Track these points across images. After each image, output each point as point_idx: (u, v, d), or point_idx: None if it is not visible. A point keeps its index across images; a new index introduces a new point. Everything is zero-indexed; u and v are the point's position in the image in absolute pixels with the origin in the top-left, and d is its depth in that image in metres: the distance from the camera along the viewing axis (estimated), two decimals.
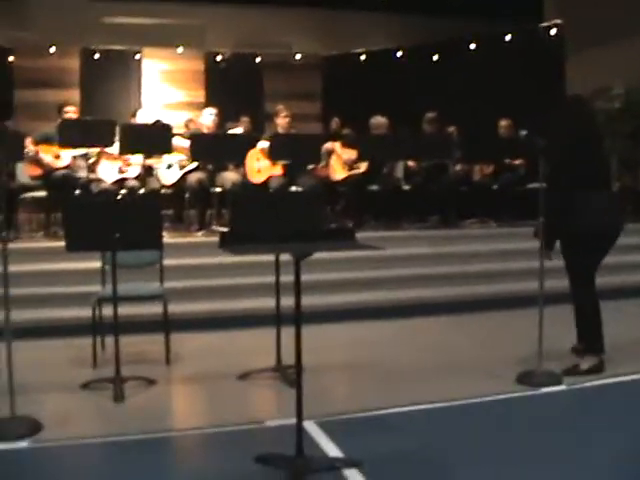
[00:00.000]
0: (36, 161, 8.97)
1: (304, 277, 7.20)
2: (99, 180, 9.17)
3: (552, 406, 5.13)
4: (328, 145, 10.22)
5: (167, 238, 8.37)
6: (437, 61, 13.93)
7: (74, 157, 9.08)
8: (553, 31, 12.55)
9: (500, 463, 4.04)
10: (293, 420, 3.92)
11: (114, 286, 5.41)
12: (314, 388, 5.32)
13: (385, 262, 8.59)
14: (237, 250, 3.76)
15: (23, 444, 4.39)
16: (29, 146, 8.73)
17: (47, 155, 9.01)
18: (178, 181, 9.54)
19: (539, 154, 5.68)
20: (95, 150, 8.92)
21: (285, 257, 3.98)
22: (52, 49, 13.48)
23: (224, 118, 10.54)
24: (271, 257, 5.81)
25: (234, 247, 3.71)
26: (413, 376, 5.82)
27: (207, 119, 9.88)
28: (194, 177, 9.36)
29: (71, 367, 6.08)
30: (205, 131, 9.78)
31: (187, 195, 9.57)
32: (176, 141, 9.34)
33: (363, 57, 14.65)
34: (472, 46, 13.49)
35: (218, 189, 9.38)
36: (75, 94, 13.22)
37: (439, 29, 13.56)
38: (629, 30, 11.75)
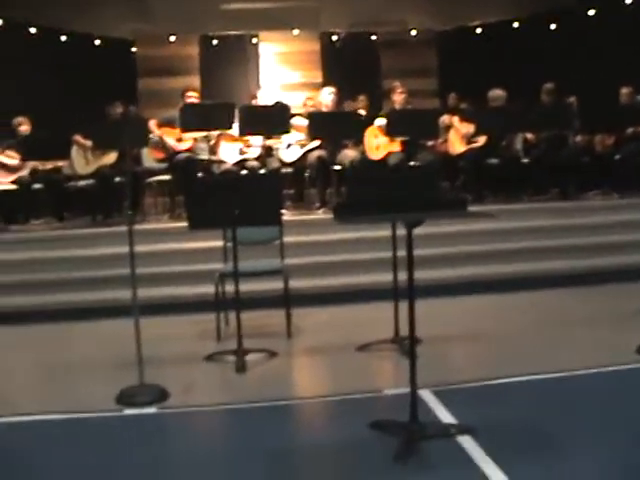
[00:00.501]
0: (160, 145, 9.28)
1: (423, 251, 7.33)
2: (221, 161, 9.41)
3: None
4: (445, 118, 10.17)
5: (288, 216, 8.64)
6: (554, 30, 13.64)
7: (195, 139, 9.34)
8: None
9: (612, 433, 3.99)
10: (409, 389, 3.99)
11: (235, 262, 5.59)
12: (430, 358, 5.40)
13: (505, 235, 8.56)
14: (348, 220, 3.84)
15: (151, 410, 4.64)
16: (153, 129, 9.04)
17: (170, 138, 9.31)
18: (299, 160, 9.69)
19: None
20: (215, 132, 9.12)
21: (403, 232, 4.02)
22: (172, 38, 13.90)
23: (342, 97, 10.62)
24: (388, 232, 5.87)
25: (345, 217, 3.79)
26: (529, 347, 5.80)
27: (326, 98, 9.96)
28: (314, 155, 9.48)
29: (195, 341, 6.33)
30: (324, 110, 9.87)
31: (308, 173, 9.70)
32: (295, 120, 9.52)
33: (478, 30, 14.49)
34: (590, 12, 13.15)
35: (337, 167, 9.46)
36: (195, 80, 13.59)
37: None
38: None
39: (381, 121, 9.54)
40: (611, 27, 12.55)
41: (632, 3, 12.66)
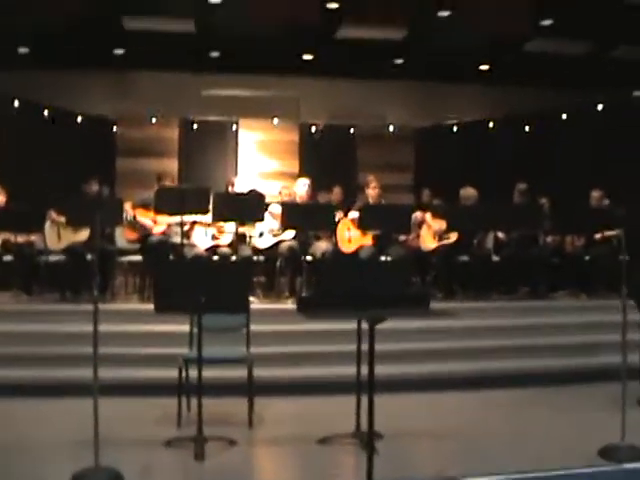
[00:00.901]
0: (134, 225, 9.31)
1: (388, 346, 7.34)
2: (193, 246, 9.44)
3: None
4: (418, 215, 10.30)
5: (257, 304, 8.64)
6: (528, 132, 13.94)
7: (168, 224, 9.37)
8: None
9: None
10: None
11: (199, 349, 5.57)
12: (392, 454, 5.39)
13: (473, 333, 8.59)
14: (310, 314, 3.87)
15: None
16: (128, 210, 9.09)
17: (145, 219, 9.35)
18: (271, 248, 9.73)
19: (620, 224, 5.64)
20: (190, 218, 9.16)
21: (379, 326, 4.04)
22: (153, 119, 14.04)
23: (317, 188, 10.75)
24: (355, 325, 5.87)
25: (309, 312, 3.82)
26: (493, 446, 5.78)
27: (301, 189, 10.08)
28: (286, 245, 9.55)
29: (156, 425, 6.25)
30: (298, 200, 9.98)
31: (279, 262, 9.73)
32: (272, 208, 9.62)
33: (455, 128, 14.78)
34: (564, 116, 13.47)
35: (309, 257, 9.51)
36: (174, 163, 13.76)
37: (531, 100, 13.59)
38: None
39: (354, 214, 9.65)
40: (583, 131, 12.84)
41: (604, 109, 12.98)
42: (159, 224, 9.37)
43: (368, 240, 9.71)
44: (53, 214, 9.30)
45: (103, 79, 13.69)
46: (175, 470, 5.28)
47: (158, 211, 8.95)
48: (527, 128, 13.99)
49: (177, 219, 9.09)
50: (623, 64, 13.12)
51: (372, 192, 10.09)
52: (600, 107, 13.03)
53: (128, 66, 13.55)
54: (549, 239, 10.61)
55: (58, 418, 6.42)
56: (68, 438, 5.70)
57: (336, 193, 11.65)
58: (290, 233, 9.59)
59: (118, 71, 13.69)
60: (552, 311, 9.45)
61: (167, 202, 8.70)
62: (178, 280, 5.44)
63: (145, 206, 9.38)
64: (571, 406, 7.13)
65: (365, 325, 4.73)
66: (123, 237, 9.71)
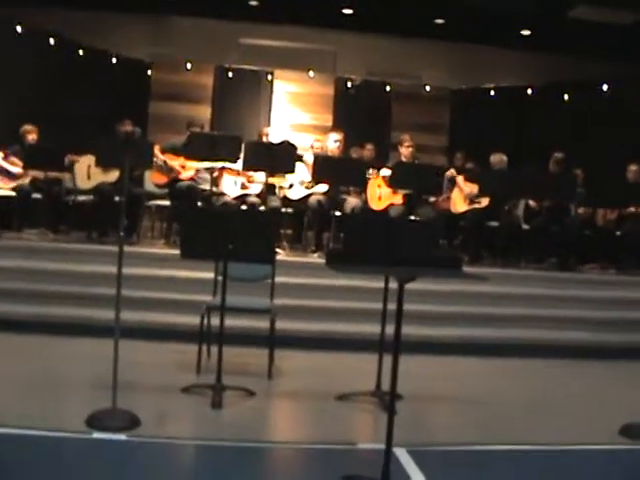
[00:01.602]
0: (162, 169, 9.24)
1: (415, 306, 7.28)
2: (222, 194, 9.38)
3: None
4: (451, 172, 10.18)
5: (283, 256, 8.59)
6: (567, 101, 13.71)
7: (197, 169, 9.30)
8: None
9: None
10: (384, 445, 3.90)
11: (223, 296, 5.52)
12: (411, 416, 5.34)
13: (499, 299, 8.54)
14: (340, 268, 3.79)
15: (121, 436, 4.55)
16: (157, 154, 9.01)
17: (174, 164, 9.28)
18: (301, 201, 9.65)
19: None
20: (219, 164, 9.07)
21: (396, 285, 3.97)
22: (188, 65, 13.91)
23: (349, 143, 10.62)
24: (381, 283, 5.81)
25: (338, 266, 3.75)
26: (513, 416, 5.73)
27: (332, 144, 9.95)
28: (315, 198, 9.46)
29: (175, 371, 6.24)
30: (329, 155, 9.87)
31: (306, 215, 9.66)
32: (307, 157, 9.55)
33: (492, 92, 14.56)
34: (604, 87, 13.22)
35: (338, 213, 9.43)
36: (207, 110, 13.64)
37: (572, 68, 13.35)
38: None
39: (386, 172, 9.54)
40: (624, 102, 12.60)
41: None
42: (187, 169, 9.30)
43: (398, 199, 9.60)
44: (75, 158, 9.29)
45: (140, 22, 13.58)
46: (192, 417, 5.27)
47: (188, 156, 8.88)
48: (566, 97, 13.75)
49: (206, 165, 9.03)
50: None
51: (406, 151, 9.96)
52: None
53: (166, 10, 13.41)
54: (581, 211, 10.46)
55: (79, 357, 6.44)
56: (88, 378, 5.71)
57: (368, 150, 11.53)
58: (322, 187, 9.50)
59: (156, 15, 13.57)
60: (579, 283, 9.31)
61: (198, 148, 8.64)
62: (205, 227, 5.38)
63: (174, 151, 9.31)
64: (594, 381, 7.07)
65: (393, 284, 4.67)
66: (151, 181, 9.65)
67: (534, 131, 13.10)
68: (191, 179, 9.32)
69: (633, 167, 10.33)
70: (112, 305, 5.00)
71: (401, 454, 4.50)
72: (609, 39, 12.89)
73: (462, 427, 5.45)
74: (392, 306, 4.56)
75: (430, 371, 6.87)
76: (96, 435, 4.54)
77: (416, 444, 4.73)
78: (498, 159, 10.28)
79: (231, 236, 5.28)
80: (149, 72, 13.99)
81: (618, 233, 10.16)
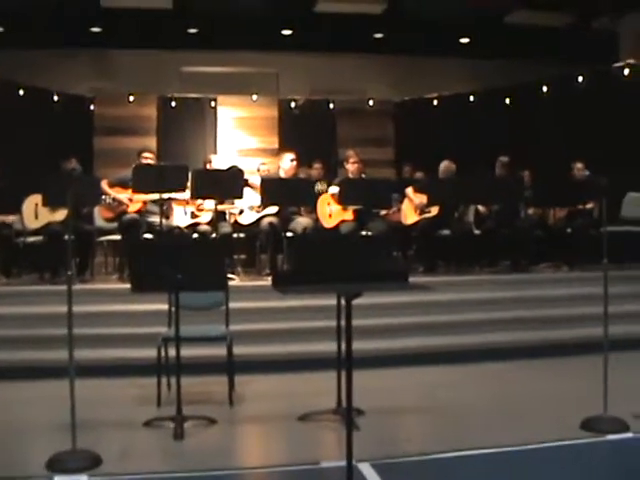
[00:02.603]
0: (110, 205, 9.19)
1: (369, 321, 7.31)
2: (171, 224, 9.34)
3: (618, 453, 5.01)
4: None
5: (237, 281, 8.58)
6: (509, 105, 13.89)
7: (144, 202, 9.25)
8: (626, 71, 12.36)
9: None
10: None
11: (176, 327, 5.51)
12: (373, 430, 5.37)
13: (455, 306, 8.60)
14: (286, 289, 3.81)
15: (82, 477, 4.49)
16: (105, 188, 8.97)
17: (121, 197, 9.22)
18: (251, 225, 9.66)
19: (603, 194, 5.60)
20: (167, 195, 9.03)
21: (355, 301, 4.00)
22: (131, 98, 13.89)
23: (299, 164, 10.67)
24: (334, 301, 5.82)
25: (283, 287, 3.76)
26: (476, 421, 5.77)
27: (287, 164, 9.96)
28: (266, 221, 9.47)
29: (135, 405, 6.20)
30: (283, 175, 9.88)
31: (259, 238, 9.64)
32: (253, 179, 9.56)
33: (435, 102, 14.70)
34: (544, 89, 13.41)
35: (289, 234, 9.43)
36: (152, 141, 13.59)
37: (511, 73, 13.56)
38: None
39: (334, 189, 9.58)
40: (564, 103, 12.80)
41: (584, 81, 12.92)
42: (135, 202, 9.24)
43: (349, 215, 9.64)
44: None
45: (79, 57, 13.60)
46: (154, 450, 5.23)
47: (136, 189, 8.83)
48: (508, 101, 13.93)
49: (153, 197, 9.00)
50: (603, 36, 13.10)
51: (352, 167, 10.01)
52: (580, 79, 12.96)
53: (105, 44, 13.43)
54: (530, 212, 10.59)
55: (35, 401, 6.35)
56: (45, 421, 5.65)
57: (316, 169, 11.60)
58: (272, 209, 9.51)
59: (95, 49, 13.57)
60: (534, 284, 9.42)
61: (145, 180, 8.58)
62: (154, 259, 5.36)
63: (122, 184, 9.27)
64: (553, 379, 7.13)
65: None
66: (100, 216, 9.59)
67: (479, 137, 13.24)
68: (139, 212, 9.25)
69: (579, 165, 10.50)
70: (67, 345, 4.96)
71: (365, 469, 4.51)
72: (545, 42, 13.12)
73: (425, 437, 5.50)
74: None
75: (390, 384, 6.89)
76: (57, 478, 4.48)
77: (380, 457, 4.74)
78: (446, 166, 10.39)
79: (181, 266, 5.26)
80: (91, 107, 13.93)
81: (569, 230, 10.29)
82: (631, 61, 12.43)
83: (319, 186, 9.79)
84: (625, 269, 9.67)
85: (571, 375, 7.20)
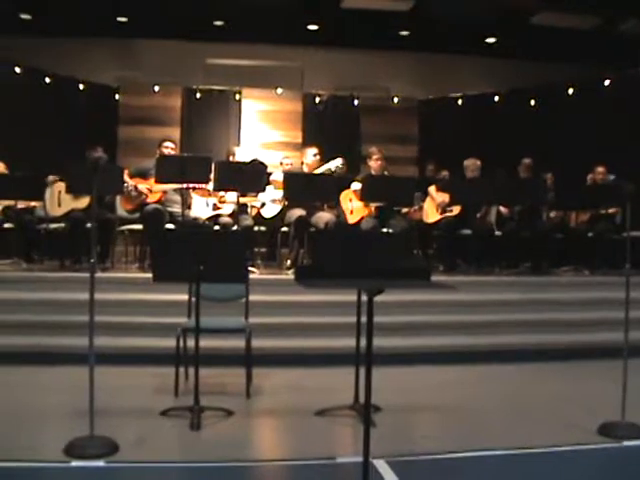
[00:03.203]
0: (131, 195, 9.21)
1: (389, 318, 7.31)
2: (193, 215, 9.36)
3: (634, 460, 4.98)
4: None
5: (257, 274, 8.60)
6: (534, 106, 13.83)
7: (165, 192, 9.27)
8: None
9: None
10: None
11: (197, 317, 5.53)
12: (390, 427, 5.36)
13: (475, 307, 8.58)
14: (308, 283, 3.82)
15: (99, 463, 4.53)
16: (126, 179, 8.99)
17: (142, 189, 9.25)
18: (273, 219, 9.67)
19: (627, 199, 5.57)
20: (190, 185, 9.06)
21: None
22: (156, 88, 13.92)
23: (321, 159, 10.67)
24: (355, 296, 5.83)
25: (306, 281, 3.77)
26: (492, 422, 5.77)
27: (310, 158, 10.00)
28: (295, 213, 9.47)
29: (153, 394, 6.23)
30: (306, 170, 9.89)
31: (286, 229, 9.63)
32: (274, 176, 9.55)
33: (460, 101, 14.66)
34: (570, 91, 13.35)
35: (312, 229, 9.43)
36: (176, 132, 13.60)
37: (537, 74, 13.49)
38: None
39: (357, 185, 9.58)
40: (589, 106, 12.73)
41: (610, 84, 12.85)
42: (155, 192, 9.27)
43: (370, 212, 9.64)
44: (54, 180, 9.23)
45: (106, 47, 13.61)
46: (171, 440, 5.25)
47: (158, 179, 8.85)
48: (532, 102, 13.88)
49: (174, 186, 9.02)
50: (630, 39, 13.00)
51: (374, 164, 10.02)
52: (607, 82, 12.90)
53: (131, 34, 13.45)
54: (552, 214, 10.56)
55: (55, 386, 6.41)
56: (64, 406, 5.69)
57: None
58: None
59: (121, 39, 13.59)
60: (554, 287, 9.38)
61: (168, 170, 8.61)
62: (176, 249, 5.38)
63: (142, 175, 9.30)
64: (572, 382, 7.11)
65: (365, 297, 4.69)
66: (121, 206, 9.62)
67: (502, 137, 13.20)
68: (158, 202, 9.27)
69: (600, 169, 10.46)
70: (87, 332, 4.99)
71: (380, 465, 4.52)
72: (571, 44, 13.03)
73: (441, 436, 5.48)
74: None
75: (408, 381, 6.90)
76: (74, 463, 4.51)
77: (395, 455, 4.74)
78: (471, 163, 10.36)
79: (202, 257, 5.29)
80: (117, 96, 13.99)
81: (590, 234, 10.25)
82: None
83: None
84: None
85: (590, 379, 7.18)
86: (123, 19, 12.90)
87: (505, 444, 5.08)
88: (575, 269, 10.27)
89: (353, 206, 9.72)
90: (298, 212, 9.49)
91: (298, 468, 4.62)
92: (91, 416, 4.75)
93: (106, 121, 13.58)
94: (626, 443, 5.18)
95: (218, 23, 13.26)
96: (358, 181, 9.68)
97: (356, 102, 14.78)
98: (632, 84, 12.46)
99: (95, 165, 5.49)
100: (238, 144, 13.40)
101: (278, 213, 9.68)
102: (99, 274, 8.10)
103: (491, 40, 14.15)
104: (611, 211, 10.25)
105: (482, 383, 7.04)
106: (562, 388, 6.86)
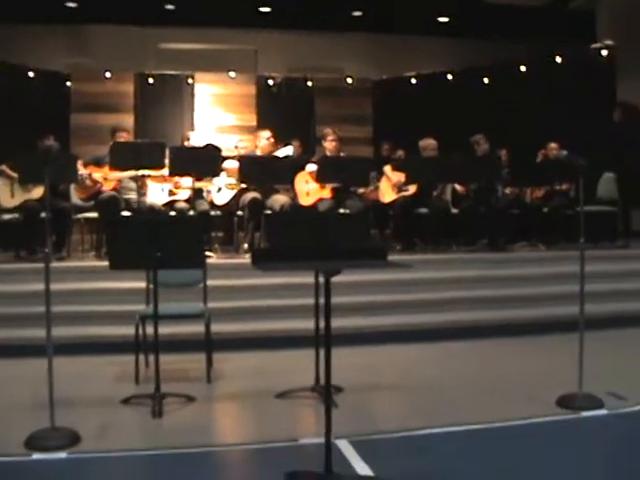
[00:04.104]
0: (86, 184, 9.11)
1: (348, 298, 7.33)
2: (149, 202, 9.29)
3: (592, 430, 5.06)
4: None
5: (214, 259, 8.57)
6: (488, 84, 13.91)
7: (119, 180, 9.19)
8: (604, 52, 12.41)
9: None
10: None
11: (155, 304, 5.50)
12: (352, 408, 5.39)
13: (433, 285, 8.62)
14: (265, 266, 3.81)
15: (61, 455, 4.49)
16: (80, 168, 8.89)
17: (97, 177, 9.15)
18: (229, 203, 9.63)
19: (581, 174, 5.63)
20: (145, 172, 8.98)
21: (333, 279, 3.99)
22: (108, 74, 13.78)
23: (275, 141, 10.64)
24: (312, 278, 5.84)
25: (263, 264, 3.76)
26: (453, 398, 5.80)
27: (263, 142, 9.94)
28: (249, 196, 9.42)
29: (114, 383, 6.20)
30: (260, 153, 9.85)
31: (241, 213, 9.56)
32: (227, 163, 9.48)
33: (414, 81, 14.70)
34: (522, 68, 13.44)
35: (268, 211, 9.41)
36: (129, 118, 13.52)
37: (489, 52, 13.58)
38: None
39: (312, 167, 9.57)
40: (541, 83, 12.84)
41: (562, 61, 12.96)
42: (109, 180, 9.17)
43: (327, 193, 9.64)
44: (7, 169, 9.09)
45: (56, 33, 13.47)
46: (133, 428, 5.23)
47: (113, 166, 8.76)
48: (486, 80, 13.96)
49: (129, 174, 8.94)
50: (580, 16, 13.13)
51: (329, 145, 9.98)
52: (558, 59, 13.00)
53: (82, 20, 13.30)
54: (508, 191, 10.63)
55: (13, 379, 6.32)
56: (23, 399, 5.63)
57: (295, 147, 11.56)
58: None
59: (71, 25, 13.44)
60: (511, 263, 9.48)
61: (122, 157, 8.53)
62: (132, 236, 5.34)
63: (97, 163, 9.20)
64: (531, 357, 7.19)
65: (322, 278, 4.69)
66: (76, 195, 9.52)
67: (457, 116, 13.26)
68: (114, 189, 9.19)
69: (552, 145, 10.57)
70: (44, 323, 4.94)
71: (343, 445, 4.54)
72: (523, 22, 13.13)
73: (403, 414, 5.53)
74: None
75: (369, 361, 6.93)
76: (36, 456, 4.47)
77: (358, 434, 4.77)
78: (427, 143, 10.38)
79: (159, 243, 5.25)
80: (68, 83, 13.82)
81: (545, 210, 10.36)
82: (609, 42, 12.48)
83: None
84: (600, 248, 9.76)
85: (547, 353, 7.26)
86: (73, 4, 12.75)
87: (467, 420, 5.12)
88: (531, 245, 10.38)
89: (309, 188, 9.71)
90: (251, 195, 9.45)
91: (261, 451, 4.63)
92: (51, 407, 4.71)
93: (58, 109, 13.42)
94: (584, 414, 5.27)
95: (169, 7, 13.16)
96: (313, 162, 9.66)
97: (310, 84, 14.77)
98: (583, 60, 12.58)
99: (46, 154, 5.41)
100: (192, 129, 13.31)
101: (232, 198, 9.63)
102: (55, 264, 8.05)
103: (444, 19, 14.20)
104: (565, 186, 10.35)
105: (443, 360, 7.09)
106: (521, 363, 6.94)
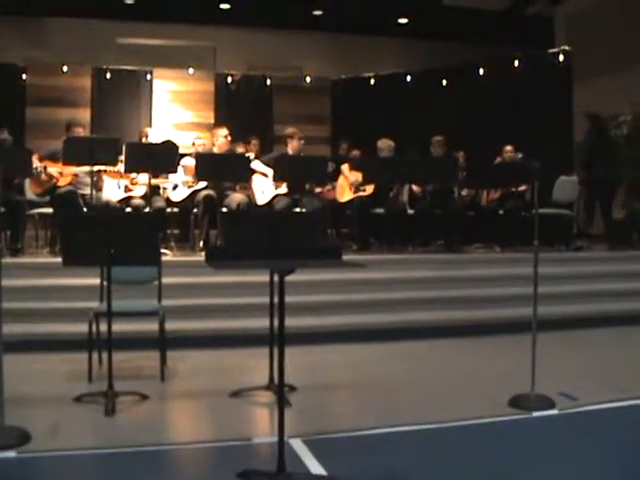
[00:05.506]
0: (41, 178, 9.01)
1: (303, 297, 7.32)
2: (104, 198, 9.22)
3: (543, 430, 5.11)
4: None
5: (170, 257, 8.52)
6: (446, 85, 13.99)
7: (76, 175, 9.09)
8: (561, 57, 12.55)
9: None
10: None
11: (108, 301, 5.45)
12: (305, 407, 5.39)
13: (387, 285, 8.63)
14: (219, 265, 3.80)
15: (11, 454, 4.42)
16: (36, 163, 8.78)
17: (52, 172, 9.05)
18: (185, 200, 9.58)
19: (536, 177, 5.69)
20: (100, 168, 8.89)
21: (288, 278, 3.98)
22: (64, 68, 13.63)
23: (233, 139, 10.61)
24: (267, 277, 5.83)
25: (216, 262, 3.75)
26: (407, 398, 5.84)
27: (220, 140, 9.92)
28: (202, 194, 9.39)
29: (66, 381, 6.13)
30: (217, 151, 9.81)
31: (195, 211, 9.53)
32: (184, 161, 9.44)
33: (373, 81, 14.74)
34: (481, 71, 13.54)
35: (224, 209, 9.37)
36: (86, 113, 13.39)
37: (449, 54, 13.66)
38: (637, 57, 11.82)
39: (258, 164, 9.59)
40: (499, 86, 12.95)
41: (520, 64, 13.07)
42: (65, 176, 9.08)
43: (283, 191, 9.64)
44: None
45: (12, 25, 13.29)
46: (85, 426, 5.17)
47: (67, 162, 8.67)
48: (444, 82, 14.03)
49: (85, 169, 8.84)
50: (538, 21, 13.27)
51: (297, 143, 9.94)
52: (516, 63, 13.12)
53: (39, 12, 13.14)
54: (464, 193, 10.71)
55: None
56: None
57: (254, 145, 11.55)
58: (204, 183, 9.44)
59: (28, 17, 13.28)
60: (466, 264, 9.54)
61: (75, 152, 8.43)
62: (85, 233, 5.29)
63: (52, 158, 9.09)
64: (484, 357, 7.26)
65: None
66: (31, 190, 9.41)
67: (415, 117, 13.32)
68: (70, 184, 9.09)
69: (508, 148, 10.67)
70: None
71: (297, 445, 4.53)
72: (483, 25, 13.24)
73: (357, 413, 5.53)
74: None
75: (322, 360, 6.94)
76: None
77: (311, 433, 4.77)
78: (384, 144, 10.42)
79: (113, 240, 5.21)
80: (24, 77, 13.64)
81: (501, 212, 10.45)
82: (565, 47, 12.63)
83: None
84: (555, 251, 9.86)
85: (500, 354, 7.34)
86: None
87: (420, 420, 5.15)
88: (486, 246, 10.46)
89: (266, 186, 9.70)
90: (205, 192, 9.41)
91: (214, 450, 4.61)
92: (1, 406, 4.65)
93: (13, 102, 13.24)
94: (535, 414, 5.32)
95: (129, 1, 13.06)
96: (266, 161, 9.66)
97: (269, 82, 14.74)
98: (540, 65, 12.71)
99: (2, 148, 5.34)
100: (150, 125, 13.23)
101: (188, 196, 9.58)
102: (8, 259, 7.96)
103: (404, 21, 14.27)
104: (521, 189, 10.45)
105: (397, 360, 7.12)
106: (475, 363, 7.00)
